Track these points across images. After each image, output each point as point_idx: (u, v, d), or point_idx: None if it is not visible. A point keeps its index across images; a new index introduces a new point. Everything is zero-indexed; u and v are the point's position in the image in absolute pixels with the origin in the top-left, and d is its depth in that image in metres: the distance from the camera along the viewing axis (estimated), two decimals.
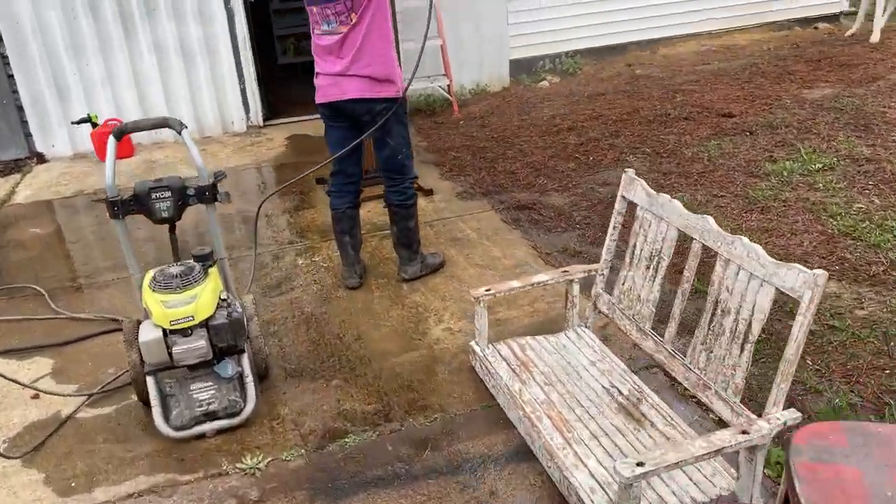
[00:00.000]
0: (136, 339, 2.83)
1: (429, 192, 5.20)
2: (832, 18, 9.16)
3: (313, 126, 7.01)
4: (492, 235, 4.49)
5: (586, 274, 3.11)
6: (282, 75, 9.01)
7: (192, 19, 6.58)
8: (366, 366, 3.26)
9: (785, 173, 4.83)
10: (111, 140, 2.86)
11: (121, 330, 3.14)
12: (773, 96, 6.40)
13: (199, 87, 6.81)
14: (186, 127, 2.97)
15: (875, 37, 7.96)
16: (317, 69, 3.71)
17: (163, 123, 2.95)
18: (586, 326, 3.19)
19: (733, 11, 8.70)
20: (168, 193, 2.85)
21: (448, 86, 7.12)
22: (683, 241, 2.69)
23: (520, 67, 7.96)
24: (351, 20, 3.47)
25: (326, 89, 3.66)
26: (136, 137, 6.68)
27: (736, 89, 6.74)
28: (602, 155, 5.55)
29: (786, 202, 4.45)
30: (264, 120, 7.17)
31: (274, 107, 7.43)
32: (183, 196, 2.89)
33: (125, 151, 6.50)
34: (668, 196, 2.67)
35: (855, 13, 8.60)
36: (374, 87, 3.57)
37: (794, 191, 4.59)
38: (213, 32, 6.68)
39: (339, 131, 3.77)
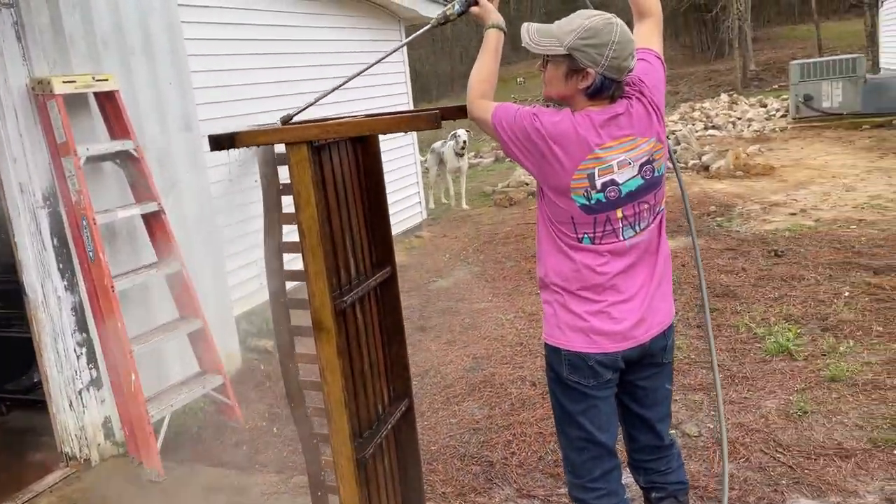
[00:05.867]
0: None
1: None
2: (421, 226, 9.73)
3: None
4: None
5: None
6: None
7: None
8: None
9: None
10: None
11: None
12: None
13: None
14: None
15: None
16: (600, 305, 2.35)
17: None
18: None
19: None
20: None
21: (223, 383, 4.57)
22: None
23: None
24: (662, 204, 2.40)
25: (630, 328, 2.36)
26: None
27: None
28: None
29: None
30: None
31: None
32: None
33: None
34: None
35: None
36: (671, 296, 2.52)
37: None
38: None
39: (611, 401, 2.45)
